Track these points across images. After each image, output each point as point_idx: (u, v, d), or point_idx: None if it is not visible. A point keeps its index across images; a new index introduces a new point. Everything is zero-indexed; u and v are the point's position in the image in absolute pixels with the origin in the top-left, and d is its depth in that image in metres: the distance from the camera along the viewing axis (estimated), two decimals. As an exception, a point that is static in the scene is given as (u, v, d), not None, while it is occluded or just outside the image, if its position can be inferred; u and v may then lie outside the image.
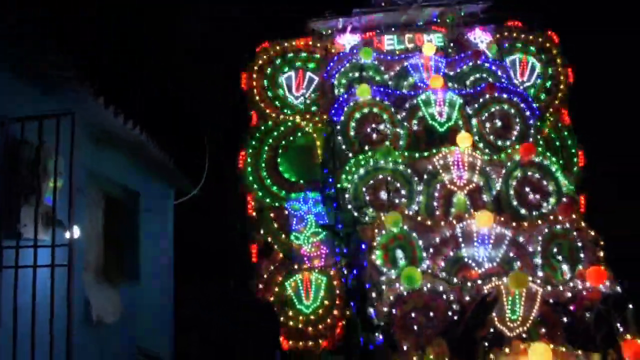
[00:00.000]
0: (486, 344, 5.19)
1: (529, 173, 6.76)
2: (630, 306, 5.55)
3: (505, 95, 7.53)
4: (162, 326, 7.74)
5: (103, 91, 5.07)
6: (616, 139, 11.90)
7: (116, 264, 6.69)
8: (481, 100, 7.49)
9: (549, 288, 5.54)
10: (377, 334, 5.35)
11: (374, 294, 5.60)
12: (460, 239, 5.99)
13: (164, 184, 8.07)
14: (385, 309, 5.30)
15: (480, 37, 8.77)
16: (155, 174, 7.55)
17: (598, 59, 11.59)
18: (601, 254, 6.17)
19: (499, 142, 7.37)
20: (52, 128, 4.01)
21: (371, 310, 5.55)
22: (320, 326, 7.42)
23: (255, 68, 8.55)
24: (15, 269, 3.72)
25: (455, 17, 8.73)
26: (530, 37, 9.02)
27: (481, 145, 7.24)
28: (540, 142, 7.94)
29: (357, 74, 7.98)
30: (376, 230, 5.98)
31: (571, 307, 5.47)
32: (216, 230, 11.05)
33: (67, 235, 4.05)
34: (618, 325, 5.23)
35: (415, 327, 5.19)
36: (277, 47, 8.62)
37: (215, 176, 9.26)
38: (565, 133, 8.82)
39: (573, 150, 8.79)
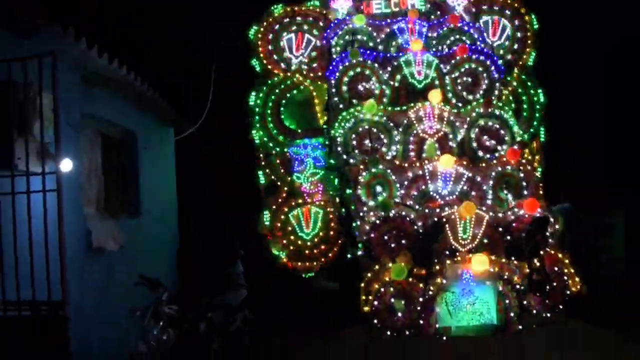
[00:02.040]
0: (445, 255, 6.87)
1: (488, 123, 8.21)
2: (557, 226, 7.21)
3: (474, 56, 8.84)
4: (166, 256, 8.49)
5: (87, 34, 5.44)
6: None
7: (118, 199, 7.21)
8: (454, 60, 8.81)
9: (495, 214, 7.13)
10: (359, 249, 7.03)
11: (358, 220, 7.24)
12: (428, 177, 7.56)
13: (161, 122, 8.58)
14: (366, 230, 6.95)
15: (458, 1, 9.97)
16: (151, 113, 8.02)
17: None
18: (540, 188, 7.75)
19: (469, 97, 8.74)
20: (43, 69, 4.35)
21: (356, 231, 7.19)
22: (318, 249, 9.07)
23: (262, 30, 9.79)
24: (12, 195, 4.27)
25: (435, -18, 9.88)
26: (502, -1, 10.19)
27: (453, 99, 8.63)
28: (508, 94, 9.36)
29: (351, 37, 9.28)
30: (361, 170, 7.57)
31: (510, 229, 7.08)
32: (219, 162, 12.21)
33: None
34: (542, 240, 6.87)
35: (388, 244, 6.86)
36: (280, 12, 9.85)
37: (217, 114, 10.33)
38: (529, 83, 10.12)
39: (535, 99, 10.12)
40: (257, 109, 9.51)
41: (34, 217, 4.28)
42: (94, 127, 6.62)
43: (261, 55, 9.75)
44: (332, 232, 8.93)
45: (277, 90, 9.53)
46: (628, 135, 13.11)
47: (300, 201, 9.20)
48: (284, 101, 9.59)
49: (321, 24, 9.72)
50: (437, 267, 6.64)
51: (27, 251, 4.18)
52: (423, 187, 7.57)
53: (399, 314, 6.51)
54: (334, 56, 8.97)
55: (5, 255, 4.24)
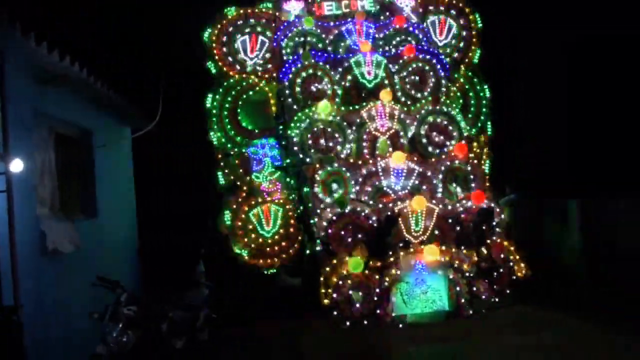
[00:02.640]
0: (399, 247, 7.21)
1: (437, 119, 8.62)
2: (503, 216, 7.67)
3: (421, 55, 9.22)
4: (125, 257, 8.41)
5: (37, 30, 5.26)
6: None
7: (73, 200, 7.07)
8: (402, 60, 9.17)
9: (445, 207, 7.53)
10: (317, 244, 7.31)
11: (316, 216, 7.51)
12: (381, 173, 7.90)
13: (118, 121, 8.54)
14: (324, 226, 7.22)
15: (406, 2, 10.34)
16: (108, 112, 7.91)
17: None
18: (486, 181, 8.20)
19: (418, 95, 9.12)
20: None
21: (314, 228, 7.46)
22: (278, 246, 9.28)
23: (216, 33, 9.89)
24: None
25: (384, -16, 10.22)
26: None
27: (402, 98, 8.99)
28: (457, 92, 9.77)
29: (301, 39, 9.51)
30: (317, 168, 7.83)
31: (459, 220, 7.50)
32: (177, 162, 12.27)
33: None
34: (488, 230, 7.31)
35: (345, 238, 7.16)
36: (233, 15, 9.97)
37: (173, 110, 10.39)
38: (475, 79, 10.59)
39: (482, 94, 10.62)
40: (214, 111, 9.62)
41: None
42: (47, 125, 6.48)
43: (216, 57, 9.87)
44: (291, 229, 9.16)
45: (233, 92, 9.68)
46: (591, 133, 13.56)
47: (259, 200, 9.38)
48: (240, 102, 9.74)
49: (274, 25, 9.91)
50: (392, 259, 6.98)
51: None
52: (377, 183, 7.91)
53: (357, 305, 6.83)
54: (285, 58, 9.19)
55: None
